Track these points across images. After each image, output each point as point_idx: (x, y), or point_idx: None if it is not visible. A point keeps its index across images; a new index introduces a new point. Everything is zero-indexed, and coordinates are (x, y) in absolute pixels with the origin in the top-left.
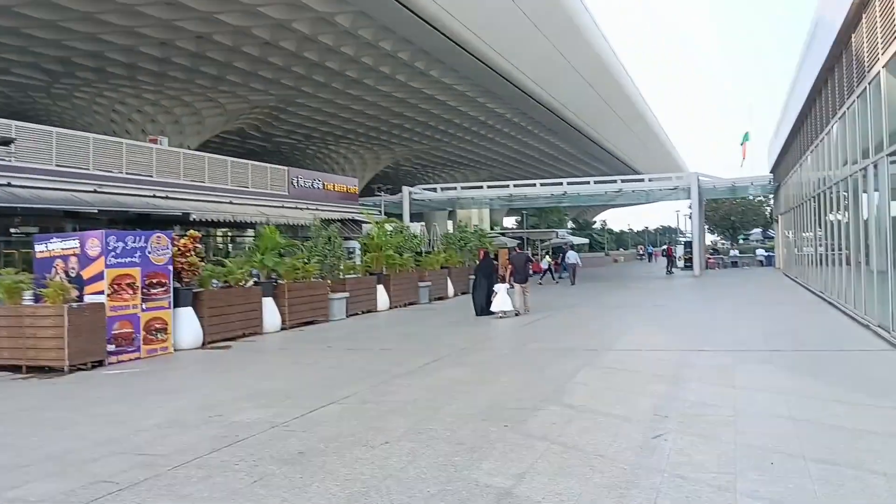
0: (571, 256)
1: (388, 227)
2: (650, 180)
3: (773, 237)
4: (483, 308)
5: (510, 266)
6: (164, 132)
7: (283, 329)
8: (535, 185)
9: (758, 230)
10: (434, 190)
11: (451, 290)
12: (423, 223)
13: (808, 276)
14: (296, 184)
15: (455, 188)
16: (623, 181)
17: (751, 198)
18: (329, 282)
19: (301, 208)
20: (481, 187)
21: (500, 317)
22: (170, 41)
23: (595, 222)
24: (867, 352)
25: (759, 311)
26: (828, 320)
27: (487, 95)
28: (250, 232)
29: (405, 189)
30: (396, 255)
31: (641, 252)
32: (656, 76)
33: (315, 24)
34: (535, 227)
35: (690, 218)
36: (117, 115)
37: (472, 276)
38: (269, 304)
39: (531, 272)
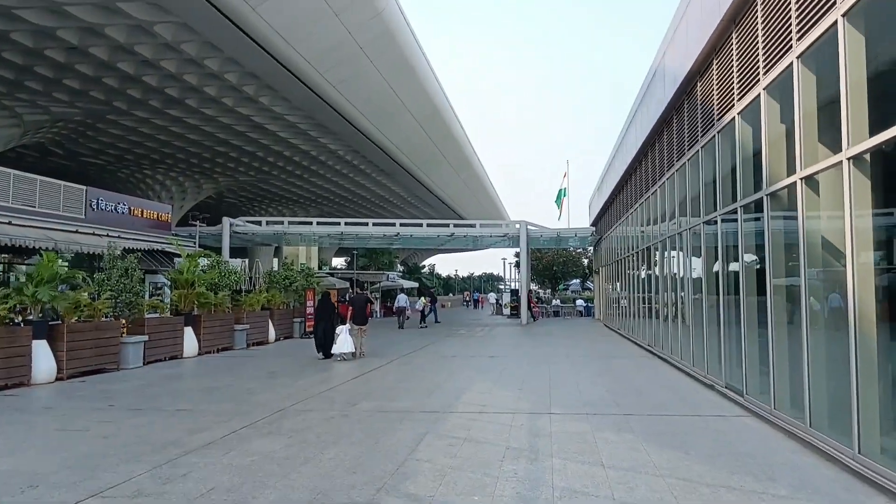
0: (401, 300)
1: (203, 260)
2: (481, 226)
3: (590, 288)
4: (326, 350)
5: (350, 308)
6: None
7: (58, 379)
8: (367, 224)
9: (576, 281)
10: (259, 223)
11: (272, 333)
12: (246, 259)
13: (632, 329)
14: (95, 206)
15: (282, 222)
16: (455, 225)
17: (571, 249)
18: (123, 322)
19: (100, 234)
20: (311, 223)
21: (341, 359)
22: None
23: (424, 266)
24: (725, 418)
25: (597, 366)
26: (667, 377)
27: (320, 129)
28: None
29: (225, 220)
30: (209, 294)
31: (468, 298)
32: (482, 127)
33: (131, 32)
34: (365, 269)
35: (517, 266)
36: None
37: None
38: (40, 349)
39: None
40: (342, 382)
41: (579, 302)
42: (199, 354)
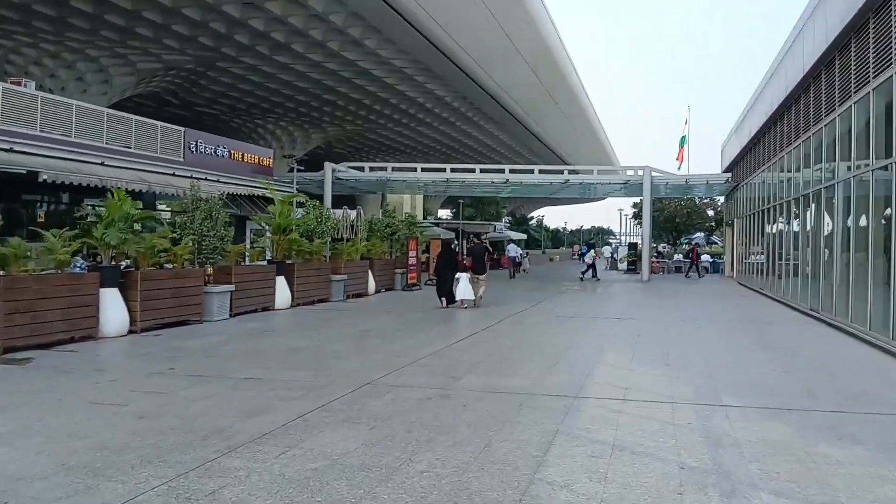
0: (511, 250)
1: (299, 206)
2: (599, 172)
3: (716, 242)
4: (447, 298)
5: (469, 258)
6: (66, 89)
7: (130, 332)
8: (474, 170)
9: (700, 234)
10: (362, 169)
11: (371, 285)
12: (358, 207)
13: (783, 290)
14: (194, 149)
15: (386, 168)
16: (570, 172)
17: (697, 199)
18: (207, 270)
19: (198, 178)
20: (415, 169)
21: (465, 307)
22: None
23: (532, 218)
24: None
25: (753, 334)
26: (851, 351)
27: (426, 74)
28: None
29: (327, 166)
30: (304, 241)
31: (577, 252)
32: (594, 68)
33: None
34: (471, 219)
35: (635, 217)
36: (12, 66)
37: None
38: (110, 298)
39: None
40: (445, 346)
41: (704, 257)
42: (292, 306)
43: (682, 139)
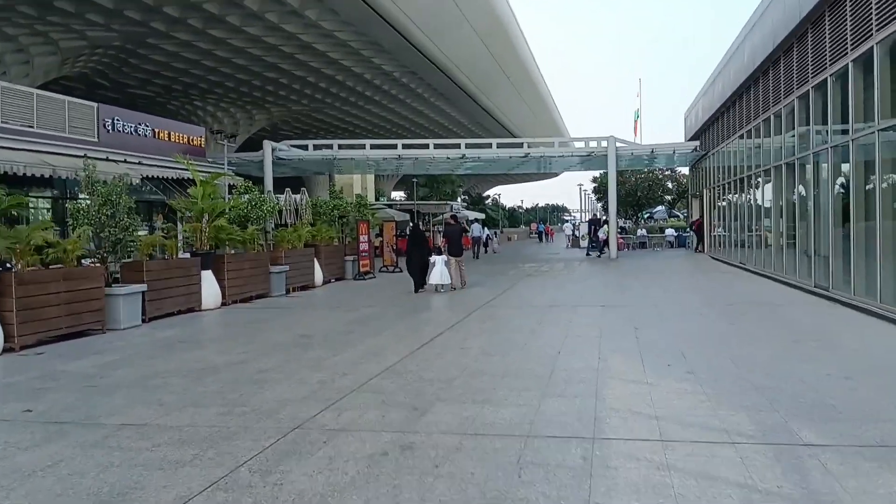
0: (476, 229)
1: (236, 189)
2: (560, 144)
3: (678, 215)
4: (419, 282)
5: (444, 239)
6: None
7: (5, 351)
8: (428, 146)
9: (661, 208)
10: (305, 147)
11: (318, 275)
12: (303, 189)
13: (773, 264)
14: (110, 127)
15: (332, 146)
16: (530, 145)
17: (658, 171)
18: (107, 267)
19: (115, 160)
20: (364, 147)
21: (441, 291)
22: None
23: (488, 197)
24: None
25: (771, 323)
26: None
27: (373, 48)
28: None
29: (267, 144)
30: (235, 228)
31: (534, 230)
32: (547, 44)
33: None
34: (426, 199)
35: (595, 192)
36: None
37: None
38: None
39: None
40: (404, 356)
41: (669, 231)
42: (222, 305)
43: (636, 113)
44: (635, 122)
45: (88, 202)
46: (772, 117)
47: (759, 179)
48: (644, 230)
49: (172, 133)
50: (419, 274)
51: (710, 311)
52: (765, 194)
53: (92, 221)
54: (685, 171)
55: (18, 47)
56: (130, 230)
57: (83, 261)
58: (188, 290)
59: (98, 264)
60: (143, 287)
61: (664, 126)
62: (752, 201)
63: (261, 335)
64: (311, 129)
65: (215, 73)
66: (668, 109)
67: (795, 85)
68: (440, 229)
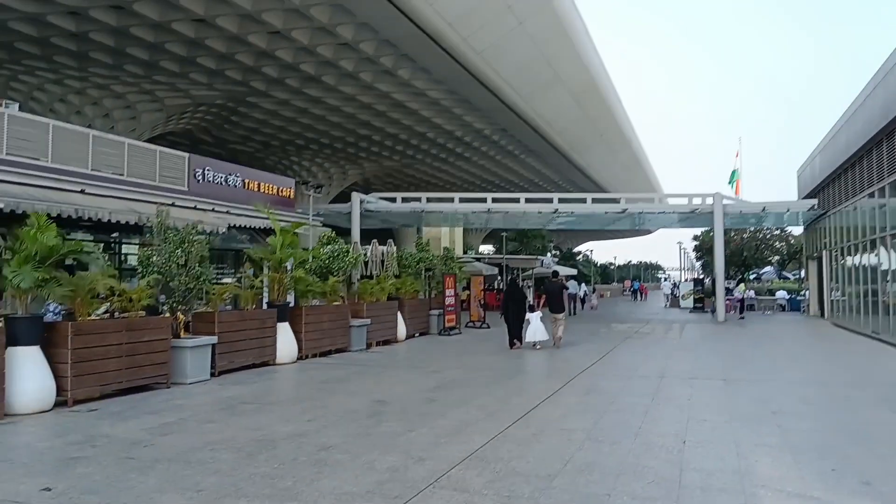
0: (571, 286)
1: (320, 239)
2: (661, 200)
3: (787, 277)
4: (515, 337)
5: (542, 296)
6: (93, 126)
7: (57, 406)
8: (518, 200)
9: (769, 269)
10: (393, 200)
11: (402, 330)
12: (389, 241)
13: None
14: (200, 177)
15: (420, 199)
16: (628, 200)
17: (767, 230)
18: (177, 317)
19: (203, 210)
20: (452, 200)
21: (539, 348)
22: (83, 9)
23: (579, 252)
24: None
25: None
26: None
27: (464, 105)
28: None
29: (355, 196)
30: (312, 279)
31: (628, 287)
32: (642, 101)
33: (258, 1)
34: (515, 253)
35: (696, 249)
36: (37, 103)
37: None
38: (29, 362)
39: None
40: (491, 437)
41: (780, 293)
42: (298, 359)
43: (734, 173)
44: (736, 181)
45: (159, 249)
46: None
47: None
48: (752, 292)
49: (262, 184)
50: (516, 329)
51: (862, 395)
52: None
53: (162, 270)
54: (796, 230)
55: (126, 104)
56: (202, 279)
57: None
58: (262, 343)
59: (167, 314)
60: (214, 339)
61: (763, 187)
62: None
63: (332, 398)
64: (402, 184)
65: (311, 129)
66: (767, 169)
67: None
68: (529, 284)
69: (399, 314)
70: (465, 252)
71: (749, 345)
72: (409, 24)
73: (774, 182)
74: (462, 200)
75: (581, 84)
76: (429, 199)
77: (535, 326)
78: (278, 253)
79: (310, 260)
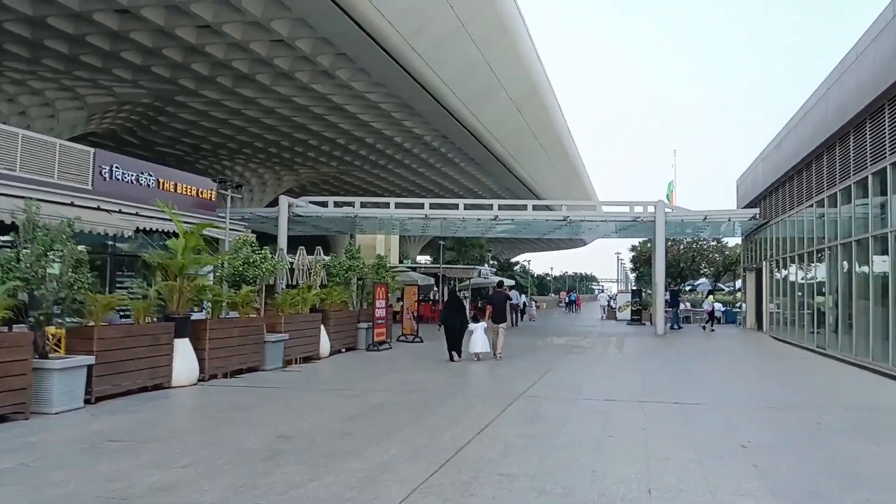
0: (514, 296)
1: (233, 243)
2: (604, 207)
3: (722, 289)
4: (455, 350)
5: (489, 306)
6: (7, 124)
7: None
8: (457, 206)
9: (704, 280)
10: (325, 204)
11: (325, 345)
12: (318, 248)
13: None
14: (107, 175)
15: (353, 204)
16: (570, 208)
17: (703, 241)
18: (45, 333)
19: (109, 211)
20: (388, 205)
21: (477, 359)
22: None
23: (517, 263)
24: None
25: None
26: None
27: (404, 110)
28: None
29: (283, 199)
30: (218, 288)
31: (564, 299)
32: (581, 114)
33: None
34: (452, 263)
35: (634, 262)
36: None
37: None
38: None
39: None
40: (412, 490)
41: (717, 305)
42: (200, 381)
43: (670, 185)
44: (671, 193)
45: (25, 252)
46: (870, 176)
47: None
48: (687, 304)
49: (179, 184)
50: (456, 342)
51: (833, 420)
52: (859, 267)
53: (27, 276)
54: (731, 241)
55: (44, 101)
56: (77, 287)
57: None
58: (155, 363)
59: (27, 330)
60: (90, 359)
61: (700, 198)
62: (838, 275)
63: (226, 433)
64: (339, 191)
65: (244, 132)
66: (704, 181)
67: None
68: (465, 295)
69: (322, 328)
70: (401, 261)
71: (693, 361)
72: (347, 21)
73: (712, 193)
74: (398, 206)
75: (523, 90)
76: (363, 205)
77: (478, 337)
78: (179, 258)
79: (221, 266)
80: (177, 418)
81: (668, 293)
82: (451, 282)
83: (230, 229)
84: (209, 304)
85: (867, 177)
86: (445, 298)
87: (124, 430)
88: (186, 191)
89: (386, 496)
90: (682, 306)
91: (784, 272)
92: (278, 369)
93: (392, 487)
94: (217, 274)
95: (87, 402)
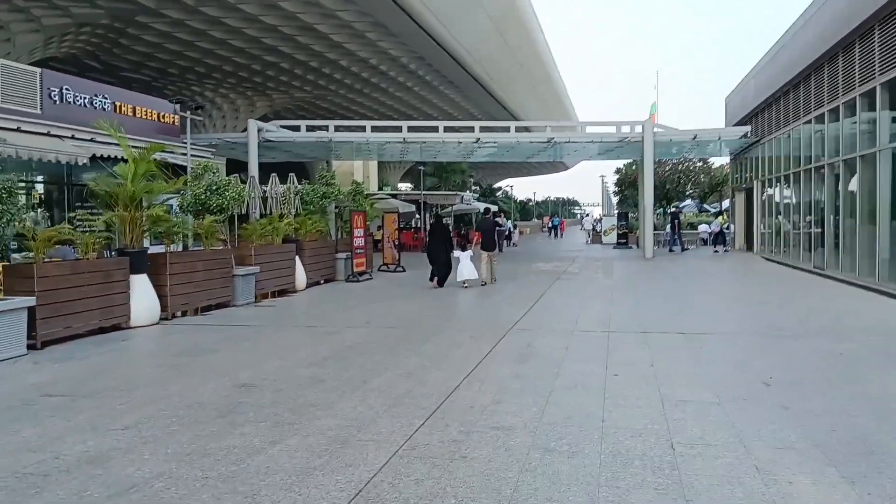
0: (502, 222)
1: (193, 170)
2: (589, 127)
3: (707, 210)
4: (441, 279)
5: (477, 233)
6: None
7: None
8: (437, 128)
9: (689, 202)
10: (297, 129)
11: (301, 277)
12: (291, 175)
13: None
14: (57, 97)
15: (327, 128)
16: (554, 129)
17: (690, 161)
18: None
19: (60, 137)
20: (364, 129)
21: (467, 286)
22: None
23: (499, 189)
24: None
25: None
26: None
27: (379, 30)
28: None
29: (252, 124)
30: (174, 218)
31: (547, 224)
32: (562, 33)
33: None
34: (434, 189)
35: (619, 185)
36: None
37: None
38: None
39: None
40: (393, 452)
41: (702, 227)
42: (163, 320)
43: (653, 106)
44: (652, 115)
45: None
46: (878, 87)
47: (836, 167)
48: (708, 225)
49: (139, 108)
50: (442, 269)
51: (854, 349)
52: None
53: None
54: (718, 161)
55: None
56: (11, 219)
57: None
58: (110, 302)
59: None
60: (30, 300)
61: (687, 117)
62: (831, 194)
63: (180, 382)
64: (315, 117)
65: (212, 55)
66: (689, 99)
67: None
68: (448, 222)
69: (298, 259)
70: (380, 188)
71: (689, 285)
72: None
73: (695, 114)
74: (375, 129)
75: (502, 9)
76: (337, 129)
77: (465, 265)
78: (129, 185)
79: (182, 195)
80: (128, 365)
81: (669, 215)
82: (435, 208)
83: (196, 156)
84: (176, 236)
85: (875, 87)
86: (429, 226)
87: (66, 380)
88: (147, 115)
89: (362, 462)
90: (714, 228)
91: (777, 191)
92: (250, 304)
93: (369, 450)
94: (180, 203)
95: (32, 347)
